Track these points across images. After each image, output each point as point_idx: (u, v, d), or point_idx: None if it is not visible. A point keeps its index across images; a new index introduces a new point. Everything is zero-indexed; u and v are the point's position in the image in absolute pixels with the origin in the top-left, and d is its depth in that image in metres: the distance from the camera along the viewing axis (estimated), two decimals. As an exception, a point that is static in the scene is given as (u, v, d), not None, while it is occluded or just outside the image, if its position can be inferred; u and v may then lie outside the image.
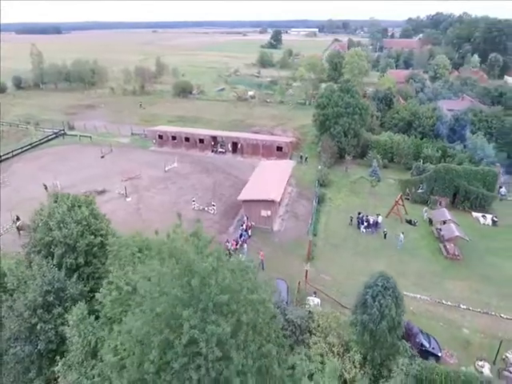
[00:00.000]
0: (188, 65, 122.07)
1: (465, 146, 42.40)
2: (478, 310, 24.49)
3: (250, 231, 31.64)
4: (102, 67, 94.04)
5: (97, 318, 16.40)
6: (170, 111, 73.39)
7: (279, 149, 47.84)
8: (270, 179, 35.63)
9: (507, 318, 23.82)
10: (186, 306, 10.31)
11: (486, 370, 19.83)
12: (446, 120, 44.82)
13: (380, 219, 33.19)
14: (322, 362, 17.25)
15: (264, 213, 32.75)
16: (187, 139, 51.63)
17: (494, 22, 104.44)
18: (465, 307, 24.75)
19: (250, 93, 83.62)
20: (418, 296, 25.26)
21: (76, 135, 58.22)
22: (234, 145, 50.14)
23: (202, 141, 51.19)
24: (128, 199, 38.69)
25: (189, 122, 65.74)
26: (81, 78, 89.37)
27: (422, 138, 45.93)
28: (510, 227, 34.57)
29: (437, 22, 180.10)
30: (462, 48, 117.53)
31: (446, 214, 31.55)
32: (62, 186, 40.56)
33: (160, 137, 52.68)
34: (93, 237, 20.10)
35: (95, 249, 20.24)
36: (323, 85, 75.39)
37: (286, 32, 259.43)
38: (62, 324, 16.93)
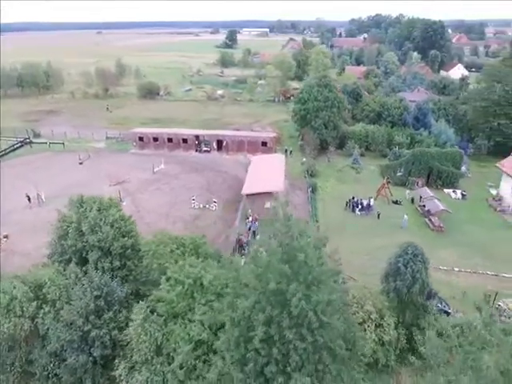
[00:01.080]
0: (147, 66, 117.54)
1: (429, 132, 46.94)
2: (468, 270, 27.89)
3: (257, 223, 32.35)
4: (56, 70, 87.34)
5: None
6: (141, 113, 70.83)
7: (264, 144, 48.87)
8: (267, 172, 36.59)
9: (492, 275, 27.49)
10: (290, 281, 10.99)
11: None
12: (411, 110, 49.17)
13: (372, 202, 35.83)
14: (363, 330, 18.82)
15: (268, 204, 33.62)
16: (170, 140, 50.52)
17: (429, 23, 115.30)
18: (457, 270, 28.00)
19: (219, 92, 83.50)
20: (419, 265, 27.95)
21: (45, 143, 53.91)
22: (219, 143, 50.16)
23: (185, 141, 50.44)
24: (123, 203, 37.03)
25: (163, 123, 64.01)
26: (35, 82, 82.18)
27: (392, 127, 49.89)
28: (475, 200, 39.35)
29: (377, 23, 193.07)
30: (403, 46, 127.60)
31: (428, 191, 35.07)
32: (46, 196, 37.86)
33: (140, 139, 50.90)
34: (126, 239, 19.52)
35: (128, 251, 19.66)
36: (290, 82, 77.95)
37: (238, 32, 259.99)
38: (114, 328, 16.46)
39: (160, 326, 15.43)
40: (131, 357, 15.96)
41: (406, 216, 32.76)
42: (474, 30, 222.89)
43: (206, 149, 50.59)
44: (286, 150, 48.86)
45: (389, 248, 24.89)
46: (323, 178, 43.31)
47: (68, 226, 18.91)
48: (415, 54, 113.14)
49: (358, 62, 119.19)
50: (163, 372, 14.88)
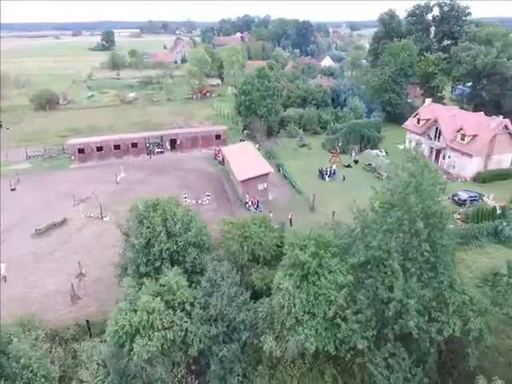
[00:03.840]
0: (20, 73, 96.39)
1: (346, 108, 56.12)
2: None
3: (260, 204, 33.83)
4: None
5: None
6: (50, 125, 59.58)
7: (218, 137, 49.18)
8: (248, 158, 37.92)
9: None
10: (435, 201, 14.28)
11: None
12: (329, 92, 57.48)
13: (334, 167, 41.68)
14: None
15: (261, 186, 35.38)
16: (117, 147, 45.22)
17: (300, 23, 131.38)
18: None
19: (131, 94, 76.92)
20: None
21: None
22: (172, 142, 47.83)
23: (134, 145, 46.09)
24: (106, 219, 32.58)
25: (86, 132, 55.95)
26: None
27: (317, 108, 57.30)
28: (393, 154, 49.83)
29: (247, 23, 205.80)
30: (280, 42, 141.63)
31: (372, 153, 43.05)
32: (3, 230, 29.95)
33: (81, 151, 43.78)
34: (207, 230, 18.93)
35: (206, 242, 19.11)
36: (208, 79, 78.11)
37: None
38: (247, 310, 16.44)
39: (295, 288, 16.38)
40: (268, 327, 16.44)
41: (385, 173, 39.65)
42: (320, 29, 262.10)
43: (159, 150, 47.47)
44: (240, 140, 50.41)
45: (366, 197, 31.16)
46: (283, 158, 47.03)
47: (150, 233, 17.01)
48: (291, 48, 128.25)
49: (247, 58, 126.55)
50: (312, 326, 16.06)
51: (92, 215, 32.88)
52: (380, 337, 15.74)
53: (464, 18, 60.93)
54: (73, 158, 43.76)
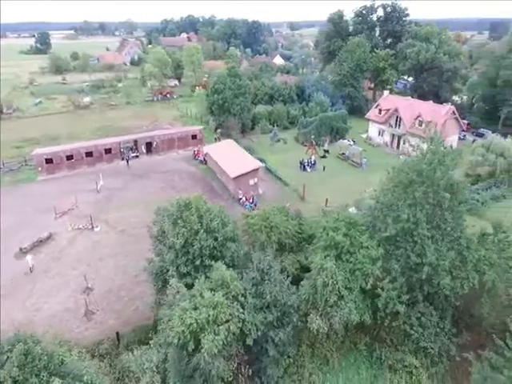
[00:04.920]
0: None
1: (312, 103, 58.65)
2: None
3: (255, 198, 34.21)
4: None
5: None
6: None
7: (194, 137, 48.18)
8: (234, 155, 37.96)
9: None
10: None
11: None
12: (294, 89, 59.45)
13: (313, 158, 43.57)
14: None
15: (251, 181, 35.75)
16: (89, 154, 41.89)
17: (250, 23, 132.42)
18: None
19: (86, 99, 71.22)
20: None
21: None
22: (148, 145, 45.69)
23: (108, 151, 43.13)
24: (97, 229, 30.33)
25: (43, 141, 50.79)
26: None
27: (284, 104, 58.96)
28: (359, 143, 53.76)
29: (192, 23, 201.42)
30: (230, 42, 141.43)
31: (346, 142, 45.83)
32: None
33: (48, 161, 39.73)
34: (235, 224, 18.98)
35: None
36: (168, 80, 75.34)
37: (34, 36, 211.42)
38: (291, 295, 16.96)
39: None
40: (311, 307, 17.23)
41: (364, 159, 42.19)
42: (264, 29, 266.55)
43: (134, 154, 45.04)
44: (215, 139, 49.95)
45: (355, 183, 33.76)
46: (262, 153, 47.66)
47: (188, 231, 16.53)
48: (242, 48, 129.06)
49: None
50: (351, 299, 17.18)
51: (81, 227, 30.32)
52: (410, 300, 17.39)
53: (404, 19, 67.36)
54: (40, 169, 39.54)
